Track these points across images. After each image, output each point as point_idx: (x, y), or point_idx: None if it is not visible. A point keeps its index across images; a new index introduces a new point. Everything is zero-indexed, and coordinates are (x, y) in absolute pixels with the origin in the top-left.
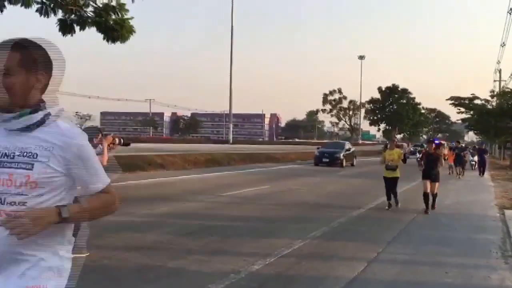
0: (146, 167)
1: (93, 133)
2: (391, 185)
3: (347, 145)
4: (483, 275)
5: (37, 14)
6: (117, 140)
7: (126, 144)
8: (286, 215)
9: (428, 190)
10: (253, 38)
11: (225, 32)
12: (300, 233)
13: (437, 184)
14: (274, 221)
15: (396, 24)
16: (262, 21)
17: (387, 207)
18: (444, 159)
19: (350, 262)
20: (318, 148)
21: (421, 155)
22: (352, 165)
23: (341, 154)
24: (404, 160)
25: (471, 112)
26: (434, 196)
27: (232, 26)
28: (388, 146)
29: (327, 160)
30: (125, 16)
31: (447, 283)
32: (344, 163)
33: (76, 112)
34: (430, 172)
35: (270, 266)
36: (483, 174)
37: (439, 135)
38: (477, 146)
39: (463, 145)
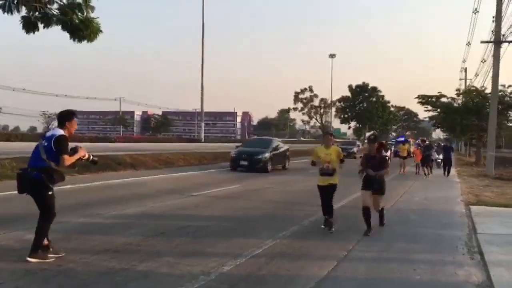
0: (116, 167)
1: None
2: (328, 195)
3: (275, 142)
4: (450, 271)
5: (0, 11)
6: (91, 157)
7: (94, 162)
8: (257, 215)
9: (369, 204)
10: (224, 36)
11: (196, 30)
12: (271, 233)
13: (379, 197)
14: (245, 221)
15: (366, 23)
16: (234, 20)
17: (322, 225)
18: (411, 156)
19: (320, 261)
20: (236, 147)
21: (362, 158)
22: (284, 168)
23: (265, 155)
24: (342, 160)
25: (438, 110)
26: (380, 212)
27: (203, 24)
28: (324, 142)
29: (246, 162)
30: (91, 15)
31: (415, 279)
32: (270, 167)
33: (43, 111)
34: (372, 180)
35: (241, 266)
36: (448, 173)
37: (408, 132)
38: (442, 143)
39: (428, 142)
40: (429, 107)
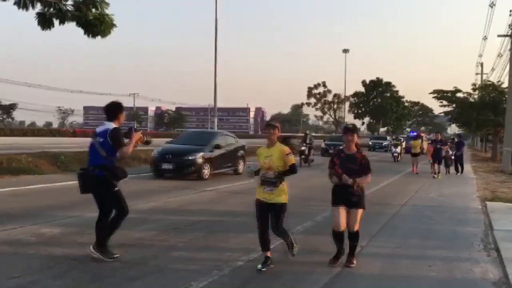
0: (131, 162)
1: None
2: (272, 218)
3: (220, 137)
4: (465, 268)
5: (15, 7)
6: (144, 139)
7: (147, 142)
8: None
9: (341, 226)
10: (238, 32)
11: (210, 25)
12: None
13: (359, 213)
14: None
15: (380, 18)
16: (247, 15)
17: (259, 266)
18: (423, 153)
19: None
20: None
21: (332, 158)
22: (237, 172)
23: (199, 155)
24: (292, 168)
25: (454, 105)
26: (353, 236)
27: (216, 19)
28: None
29: (170, 166)
30: (105, 10)
31: (430, 276)
32: (207, 171)
33: (58, 107)
34: (346, 191)
35: (254, 261)
36: (462, 171)
37: (422, 128)
38: (456, 139)
39: (440, 138)
40: (445, 102)
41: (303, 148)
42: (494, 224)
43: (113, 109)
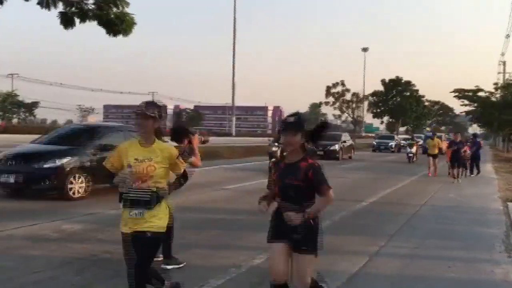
0: None
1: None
2: (139, 252)
3: (103, 132)
4: (486, 269)
5: (38, 6)
6: (202, 138)
7: (205, 141)
8: None
9: (283, 276)
10: (256, 31)
11: (229, 24)
12: None
13: (306, 259)
14: None
15: (399, 16)
16: (265, 14)
17: None
18: (442, 154)
19: (352, 256)
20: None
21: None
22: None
23: (58, 162)
24: (184, 176)
25: (475, 105)
26: None
27: (234, 18)
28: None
29: (12, 178)
30: (126, 9)
31: (450, 277)
32: (72, 185)
33: (79, 105)
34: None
35: None
36: (478, 172)
37: (442, 127)
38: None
39: (462, 139)
40: (466, 102)
41: (274, 149)
42: None
43: (179, 133)
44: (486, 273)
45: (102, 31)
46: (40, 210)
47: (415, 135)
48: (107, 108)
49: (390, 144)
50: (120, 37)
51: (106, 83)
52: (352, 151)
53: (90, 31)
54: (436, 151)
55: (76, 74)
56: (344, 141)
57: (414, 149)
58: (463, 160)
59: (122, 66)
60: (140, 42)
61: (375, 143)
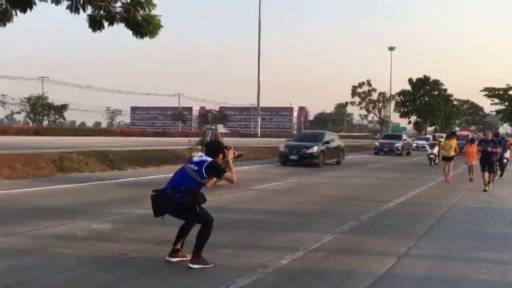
0: (176, 160)
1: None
2: None
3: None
4: None
5: (67, 10)
6: (237, 153)
7: (240, 155)
8: (314, 209)
9: None
10: (282, 31)
11: (254, 25)
12: (329, 227)
13: None
14: (302, 215)
15: (426, 13)
16: (291, 13)
17: None
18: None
19: (379, 257)
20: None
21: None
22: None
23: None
24: None
25: (506, 103)
26: None
27: (259, 19)
28: None
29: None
30: (153, 12)
31: (481, 279)
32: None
33: (107, 107)
34: None
35: (298, 260)
36: (501, 174)
37: (472, 127)
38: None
39: (494, 138)
40: (496, 100)
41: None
42: None
43: (215, 149)
44: None
45: (129, 32)
46: (71, 210)
47: (437, 134)
48: (133, 109)
49: (396, 145)
50: (146, 39)
51: (133, 85)
52: (341, 154)
53: (117, 33)
54: (453, 153)
55: (104, 76)
56: (328, 142)
57: (436, 150)
58: (497, 162)
59: (148, 68)
60: (166, 43)
61: (378, 144)
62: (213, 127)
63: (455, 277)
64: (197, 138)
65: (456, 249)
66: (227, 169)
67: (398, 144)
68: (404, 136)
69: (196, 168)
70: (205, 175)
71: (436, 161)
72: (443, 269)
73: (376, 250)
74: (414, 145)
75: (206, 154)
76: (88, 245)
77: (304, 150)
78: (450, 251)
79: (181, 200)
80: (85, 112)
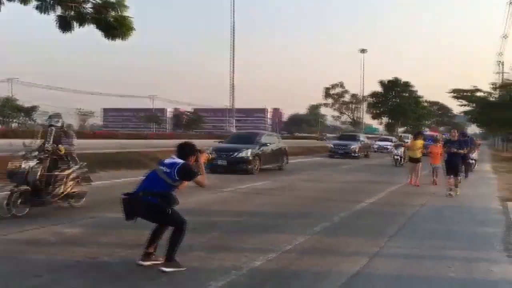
0: (149, 163)
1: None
2: None
3: None
4: (485, 269)
5: (36, 11)
6: (210, 156)
7: (213, 159)
8: (287, 210)
9: None
10: (255, 34)
11: (227, 28)
12: (302, 229)
13: None
14: (276, 217)
15: (397, 17)
16: (264, 16)
17: None
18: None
19: (352, 257)
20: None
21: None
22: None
23: None
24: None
25: (473, 105)
26: None
27: (233, 21)
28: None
29: None
30: (125, 13)
31: (450, 277)
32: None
33: (78, 109)
34: None
35: (272, 261)
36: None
37: (442, 128)
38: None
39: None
40: (464, 102)
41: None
42: None
43: (186, 150)
44: (485, 272)
45: (100, 33)
46: (39, 214)
47: (403, 135)
48: (106, 111)
49: (352, 147)
50: (118, 40)
51: (105, 87)
52: (284, 158)
53: (88, 33)
54: (419, 154)
55: (75, 77)
56: (265, 144)
57: (401, 151)
58: (464, 164)
59: (121, 69)
60: (139, 45)
61: (332, 146)
62: (57, 123)
63: (425, 275)
64: (37, 140)
65: (427, 248)
66: (199, 173)
67: (354, 146)
68: (362, 137)
69: (167, 170)
70: (176, 178)
71: (402, 162)
72: (413, 267)
73: (348, 250)
74: (376, 146)
75: (178, 156)
76: (58, 250)
77: (235, 153)
78: (420, 250)
79: (153, 202)
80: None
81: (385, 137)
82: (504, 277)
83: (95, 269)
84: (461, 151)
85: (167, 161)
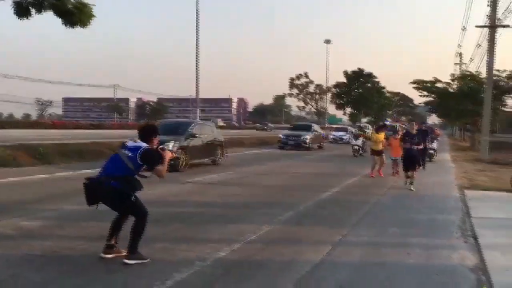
0: (111, 154)
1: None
2: None
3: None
4: (444, 255)
5: None
6: (175, 155)
7: (177, 158)
8: (252, 201)
9: None
10: (220, 24)
11: (191, 16)
12: (266, 218)
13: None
14: (240, 207)
15: (360, 9)
16: (228, 4)
17: None
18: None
19: (316, 245)
20: None
21: None
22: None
23: None
24: None
25: (433, 95)
26: None
27: (197, 10)
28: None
29: None
30: (85, 0)
31: (410, 263)
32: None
33: (37, 98)
34: None
35: (236, 252)
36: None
37: (403, 118)
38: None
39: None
40: (424, 93)
41: None
42: (472, 212)
43: (147, 132)
44: (444, 258)
45: (59, 21)
46: None
47: (362, 124)
48: (66, 101)
49: (303, 137)
50: (78, 28)
51: (65, 75)
52: (219, 151)
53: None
54: (381, 146)
55: (33, 66)
56: (194, 136)
57: (360, 141)
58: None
59: (81, 58)
60: (101, 33)
61: (282, 137)
62: None
63: (386, 262)
64: None
65: (388, 236)
66: (161, 163)
67: (306, 137)
68: (315, 127)
69: (130, 154)
70: (139, 162)
71: (361, 152)
72: (375, 255)
73: (312, 239)
74: (331, 137)
75: (140, 138)
76: (16, 244)
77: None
78: (381, 237)
79: (116, 186)
80: (13, 103)
81: (341, 126)
82: (461, 262)
83: (56, 263)
84: (419, 147)
85: (130, 144)
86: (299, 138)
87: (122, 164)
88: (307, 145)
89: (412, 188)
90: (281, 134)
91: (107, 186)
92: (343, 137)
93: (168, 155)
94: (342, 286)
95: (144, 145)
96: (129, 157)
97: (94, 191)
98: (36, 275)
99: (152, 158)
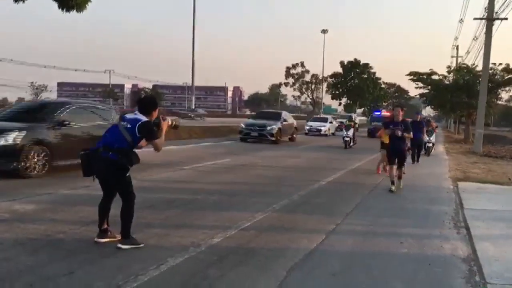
0: None
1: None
2: None
3: None
4: (436, 245)
5: None
6: (173, 123)
7: (176, 126)
8: (247, 189)
9: None
10: (217, 12)
11: (189, 4)
12: (261, 206)
13: None
14: (235, 195)
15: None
16: None
17: None
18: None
19: (309, 234)
20: None
21: None
22: None
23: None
24: None
25: (429, 87)
26: None
27: None
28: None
29: None
30: None
31: (402, 253)
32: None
33: (31, 82)
34: None
35: (230, 239)
36: (418, 159)
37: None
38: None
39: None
40: (420, 84)
41: None
42: (465, 203)
43: (147, 104)
44: (436, 248)
45: (54, 5)
46: None
47: (353, 115)
48: (61, 85)
49: (269, 128)
50: (74, 12)
51: (60, 60)
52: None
53: (43, 5)
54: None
55: (28, 50)
56: (286, 120)
57: (351, 132)
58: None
59: (76, 43)
60: (96, 18)
61: (244, 126)
62: None
63: (379, 252)
64: None
65: (381, 225)
66: (159, 135)
67: (273, 127)
68: (286, 115)
69: (128, 126)
70: (137, 134)
71: (351, 144)
72: (368, 244)
73: (306, 227)
74: (307, 127)
75: (139, 111)
76: (9, 227)
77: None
78: (375, 227)
79: (113, 159)
80: (7, 87)
81: (321, 116)
82: (454, 253)
83: (49, 247)
84: (407, 135)
85: (129, 116)
86: (263, 128)
87: (121, 136)
88: (274, 138)
89: (392, 189)
90: (242, 124)
91: (104, 157)
92: (321, 128)
93: (165, 125)
94: (335, 274)
95: (143, 118)
96: (127, 128)
97: (91, 162)
98: (28, 258)
99: (150, 131)
